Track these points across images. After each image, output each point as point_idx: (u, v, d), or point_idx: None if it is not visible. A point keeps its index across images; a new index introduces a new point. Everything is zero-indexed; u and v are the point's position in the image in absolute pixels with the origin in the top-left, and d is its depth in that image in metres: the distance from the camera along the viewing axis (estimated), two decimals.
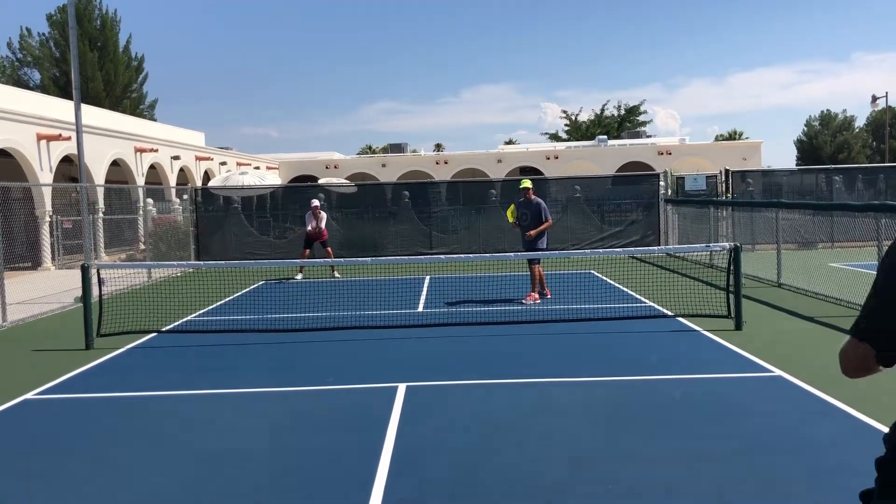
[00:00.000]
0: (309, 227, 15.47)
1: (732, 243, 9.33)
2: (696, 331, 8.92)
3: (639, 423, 5.58)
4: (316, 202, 15.72)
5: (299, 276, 15.36)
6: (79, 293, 9.73)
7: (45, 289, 14.23)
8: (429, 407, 6.12)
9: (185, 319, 10.58)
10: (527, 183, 11.50)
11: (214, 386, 6.88)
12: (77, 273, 10.04)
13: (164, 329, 9.82)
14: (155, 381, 7.22)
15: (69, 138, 20.49)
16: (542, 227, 11.14)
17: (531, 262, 11.18)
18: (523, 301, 11.09)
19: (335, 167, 42.25)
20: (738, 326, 8.89)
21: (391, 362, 7.80)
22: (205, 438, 5.53)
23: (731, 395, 6.25)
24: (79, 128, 13.53)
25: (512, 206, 11.64)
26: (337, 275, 15.57)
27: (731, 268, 9.21)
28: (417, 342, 8.79)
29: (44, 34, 44.32)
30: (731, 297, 9.19)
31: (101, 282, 9.44)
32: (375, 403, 6.23)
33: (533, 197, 11.37)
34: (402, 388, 6.65)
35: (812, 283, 11.97)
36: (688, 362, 7.43)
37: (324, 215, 15.71)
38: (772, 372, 6.93)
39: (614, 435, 5.34)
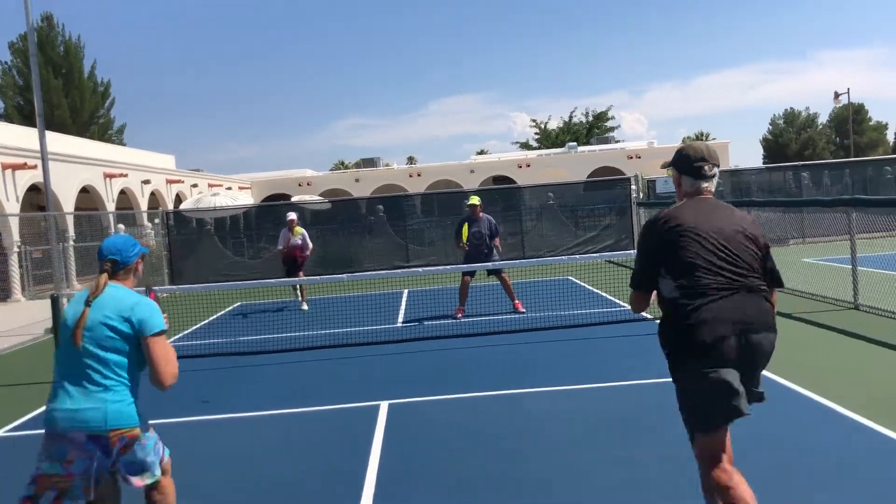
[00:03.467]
0: (280, 247, 13.17)
1: None
2: None
3: (625, 430, 5.54)
4: (293, 215, 13.33)
5: (305, 307, 13.09)
6: (50, 324, 9.52)
7: (16, 321, 13.95)
8: (412, 424, 6.04)
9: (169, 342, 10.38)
10: (475, 200, 11.20)
11: (188, 413, 6.70)
12: (48, 303, 9.82)
13: None
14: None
15: (35, 167, 20.16)
16: (498, 242, 11.15)
17: (500, 273, 11.06)
18: (519, 310, 11.02)
19: (308, 184, 42.09)
20: None
21: (372, 380, 7.70)
22: (177, 469, 5.40)
23: None
24: (44, 155, 13.32)
25: (465, 228, 11.10)
26: (304, 307, 13.10)
27: None
28: (398, 358, 8.70)
29: (6, 62, 43.79)
30: None
31: None
32: (358, 423, 6.14)
33: (482, 214, 11.13)
34: (384, 406, 6.56)
35: (787, 280, 12.02)
36: (663, 366, 7.39)
37: (304, 233, 13.26)
38: None
39: (601, 443, 5.30)
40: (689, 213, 3.37)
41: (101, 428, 3.23)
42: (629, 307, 3.58)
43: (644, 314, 10.01)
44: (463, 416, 6.11)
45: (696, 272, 3.23)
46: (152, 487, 3.46)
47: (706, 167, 3.48)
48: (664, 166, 3.78)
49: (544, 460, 5.03)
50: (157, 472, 3.44)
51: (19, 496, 3.27)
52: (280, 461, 5.37)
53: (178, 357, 3.55)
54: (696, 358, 3.23)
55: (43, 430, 3.35)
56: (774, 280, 3.50)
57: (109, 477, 3.33)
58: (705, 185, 3.49)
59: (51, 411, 3.29)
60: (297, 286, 13.05)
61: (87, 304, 3.36)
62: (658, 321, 3.47)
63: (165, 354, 3.40)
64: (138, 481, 3.36)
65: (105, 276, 3.44)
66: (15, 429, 6.78)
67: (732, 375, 3.24)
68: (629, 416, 5.85)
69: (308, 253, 13.20)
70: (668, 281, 3.30)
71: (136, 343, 3.37)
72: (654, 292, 3.45)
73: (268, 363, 8.76)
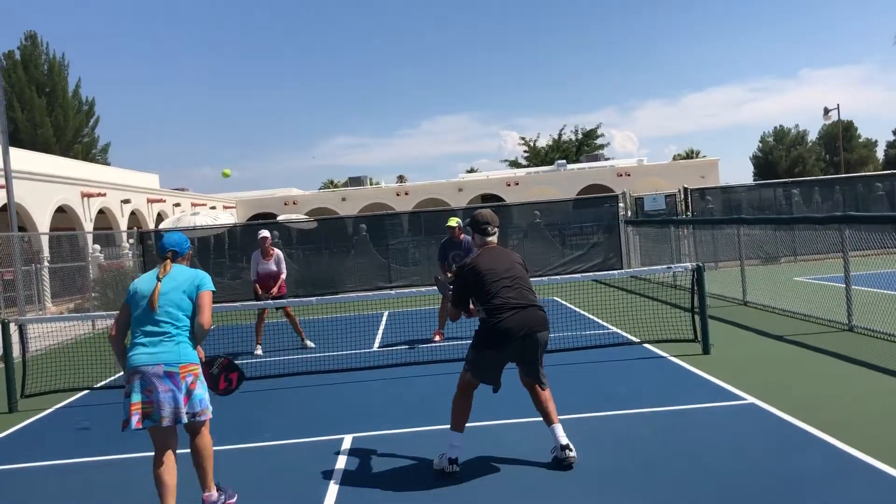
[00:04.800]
0: (253, 277, 10.74)
1: (695, 263, 8.93)
2: (662, 357, 8.47)
3: (608, 464, 5.07)
4: (265, 233, 10.77)
5: (309, 343, 10.98)
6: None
7: None
8: (375, 461, 5.54)
9: (121, 373, 9.86)
10: (453, 221, 10.50)
11: (139, 448, 6.12)
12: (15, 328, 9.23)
13: (96, 386, 9.12)
14: (77, 448, 6.53)
15: (3, 186, 19.63)
16: None
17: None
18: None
19: (294, 203, 41.61)
20: (706, 350, 8.46)
21: (338, 411, 7.20)
22: None
23: (704, 429, 5.78)
24: (7, 174, 12.83)
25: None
26: (309, 343, 10.96)
27: (695, 288, 8.81)
28: (369, 385, 8.21)
29: None
30: (697, 319, 8.79)
31: (23, 338, 8.73)
32: (316, 461, 5.64)
33: (463, 236, 10.42)
34: (347, 440, 6.08)
35: (778, 300, 11.64)
36: (656, 393, 6.94)
37: (279, 254, 10.84)
38: (744, 399, 6.48)
39: (582, 481, 4.82)
40: (483, 259, 5.18)
41: (175, 364, 4.45)
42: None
43: (631, 338, 9.65)
44: (431, 451, 5.61)
45: (494, 298, 5.01)
46: (199, 428, 4.59)
47: (489, 228, 5.31)
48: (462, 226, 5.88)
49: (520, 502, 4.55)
50: (210, 410, 4.60)
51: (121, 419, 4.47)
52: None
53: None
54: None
55: (128, 372, 4.48)
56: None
57: (174, 419, 4.40)
58: (490, 238, 5.31)
59: (134, 356, 4.48)
60: (291, 325, 10.95)
61: (159, 279, 4.64)
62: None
63: (209, 304, 4.67)
64: (207, 413, 4.56)
65: (169, 261, 4.76)
66: None
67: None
68: (616, 454, 5.36)
69: (282, 280, 10.77)
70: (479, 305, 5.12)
71: (193, 303, 4.63)
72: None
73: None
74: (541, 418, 5.27)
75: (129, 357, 4.52)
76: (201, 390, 4.54)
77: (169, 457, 4.47)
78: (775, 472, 4.76)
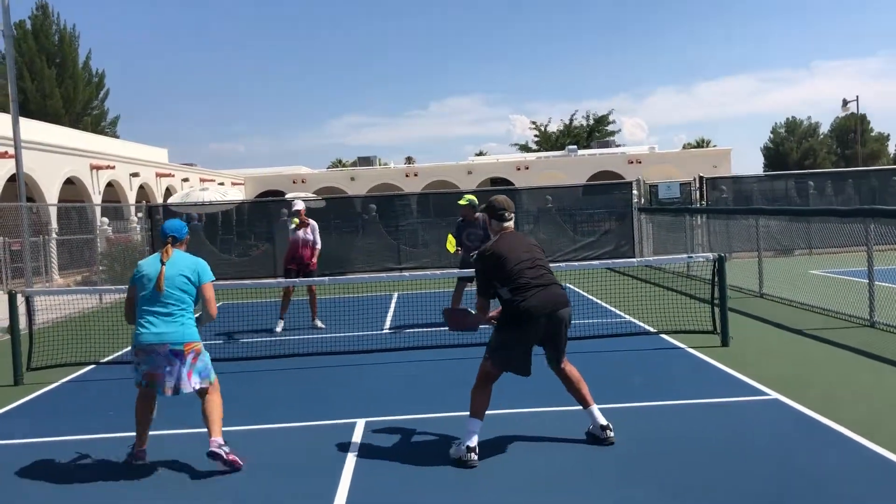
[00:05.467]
0: (296, 249, 10.58)
1: (716, 254, 8.73)
2: (680, 348, 8.30)
3: (626, 459, 4.91)
4: (301, 204, 10.83)
5: (320, 324, 10.81)
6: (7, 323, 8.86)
7: None
8: (389, 447, 5.40)
9: (129, 348, 9.72)
10: (464, 201, 10.14)
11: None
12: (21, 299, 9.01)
13: (103, 360, 9.00)
14: (84, 423, 6.40)
15: (13, 156, 19.48)
16: None
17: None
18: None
19: (302, 181, 41.43)
20: (725, 342, 8.29)
21: (350, 394, 7.06)
22: (125, 490, 4.76)
23: (728, 424, 5.61)
24: (17, 143, 12.68)
25: (451, 237, 10.38)
26: (319, 324, 10.85)
27: (716, 279, 8.61)
28: (381, 368, 8.06)
29: None
30: (717, 310, 8.60)
31: (30, 310, 8.59)
32: (329, 444, 5.50)
33: (478, 214, 9.92)
34: (360, 425, 5.93)
35: (795, 293, 11.44)
36: (676, 385, 6.78)
37: (314, 225, 10.76)
38: (767, 395, 6.31)
39: (598, 476, 4.67)
40: (502, 243, 5.23)
41: (179, 343, 4.98)
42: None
43: (647, 328, 9.47)
44: (444, 439, 5.46)
45: (518, 279, 5.07)
46: (205, 391, 5.13)
47: (506, 214, 5.37)
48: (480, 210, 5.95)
49: (534, 499, 4.39)
50: (213, 375, 5.19)
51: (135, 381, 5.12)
52: (232, 486, 4.73)
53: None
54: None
55: (135, 349, 5.03)
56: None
57: (175, 391, 5.00)
58: (506, 224, 5.37)
59: (140, 334, 4.98)
60: (310, 301, 10.82)
61: (162, 263, 5.07)
62: None
63: (213, 296, 5.25)
64: (203, 383, 5.08)
65: (170, 246, 5.19)
66: None
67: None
68: (636, 448, 5.21)
69: (318, 251, 10.76)
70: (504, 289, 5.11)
71: (196, 288, 5.15)
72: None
73: (236, 370, 8.07)
74: (561, 407, 5.15)
75: (136, 335, 5.00)
76: (201, 364, 5.11)
77: (149, 401, 5.22)
78: (806, 472, 4.60)
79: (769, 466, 4.70)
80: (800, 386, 6.51)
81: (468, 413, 5.08)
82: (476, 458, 4.91)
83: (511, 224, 5.40)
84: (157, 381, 4.98)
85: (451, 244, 10.38)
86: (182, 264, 5.15)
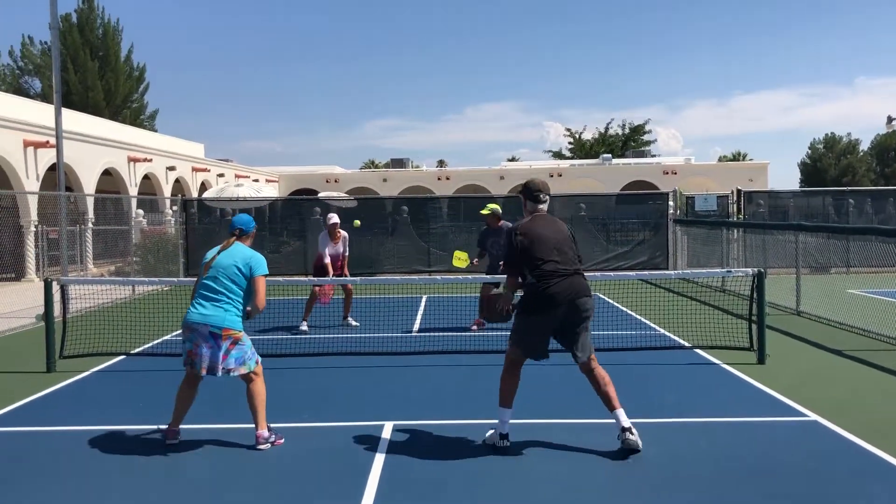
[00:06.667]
0: (326, 261, 10.45)
1: (756, 269, 8.54)
2: (715, 364, 8.12)
3: (658, 476, 4.78)
4: (336, 218, 10.68)
5: (304, 326, 10.61)
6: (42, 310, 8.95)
7: (23, 302, 13.44)
8: (417, 452, 5.32)
9: (159, 340, 9.80)
10: (488, 210, 10.14)
11: (164, 420, 5.95)
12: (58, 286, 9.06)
13: (133, 352, 9.04)
14: (114, 414, 6.41)
15: (54, 146, 19.79)
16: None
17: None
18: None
19: (335, 181, 41.60)
20: (762, 360, 8.10)
21: (378, 395, 7.00)
22: (148, 485, 4.74)
23: (766, 444, 5.44)
24: (58, 133, 12.83)
25: (457, 253, 10.43)
26: (353, 322, 10.96)
27: (754, 295, 8.42)
28: (409, 371, 8.00)
29: (45, 43, 43.78)
30: (754, 327, 8.41)
31: (64, 298, 8.67)
32: (356, 446, 5.45)
33: (501, 223, 10.04)
34: (388, 427, 5.87)
35: (834, 312, 11.17)
36: (711, 402, 6.63)
37: (345, 237, 10.83)
38: (806, 416, 6.13)
39: (628, 492, 4.55)
40: (534, 224, 5.33)
41: (219, 327, 5.27)
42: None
43: (682, 342, 9.29)
44: (475, 445, 5.38)
45: (545, 265, 5.17)
46: (248, 378, 5.40)
47: (542, 195, 5.46)
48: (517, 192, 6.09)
49: None
50: (252, 365, 5.42)
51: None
52: (259, 485, 4.69)
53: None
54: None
55: (183, 326, 5.40)
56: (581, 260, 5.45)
57: (211, 370, 5.28)
58: (541, 206, 5.46)
59: (190, 313, 5.36)
60: (345, 299, 10.95)
61: (219, 252, 5.46)
62: None
63: (263, 289, 5.45)
64: (241, 369, 5.35)
65: (234, 238, 5.57)
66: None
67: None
68: (670, 467, 5.07)
69: (346, 259, 10.88)
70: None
71: (248, 281, 5.40)
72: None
73: (265, 367, 8.04)
74: (594, 420, 5.03)
75: (186, 314, 5.39)
76: (238, 352, 5.33)
77: (191, 387, 5.53)
78: (849, 498, 4.44)
79: (807, 490, 4.55)
80: (841, 408, 6.31)
81: (498, 402, 5.34)
82: (508, 443, 5.25)
83: (545, 207, 5.49)
84: (196, 360, 5.29)
85: (459, 261, 10.33)
86: (238, 256, 5.43)
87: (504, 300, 5.44)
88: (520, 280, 5.34)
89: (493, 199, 22.40)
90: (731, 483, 4.68)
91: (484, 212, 10.20)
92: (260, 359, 5.54)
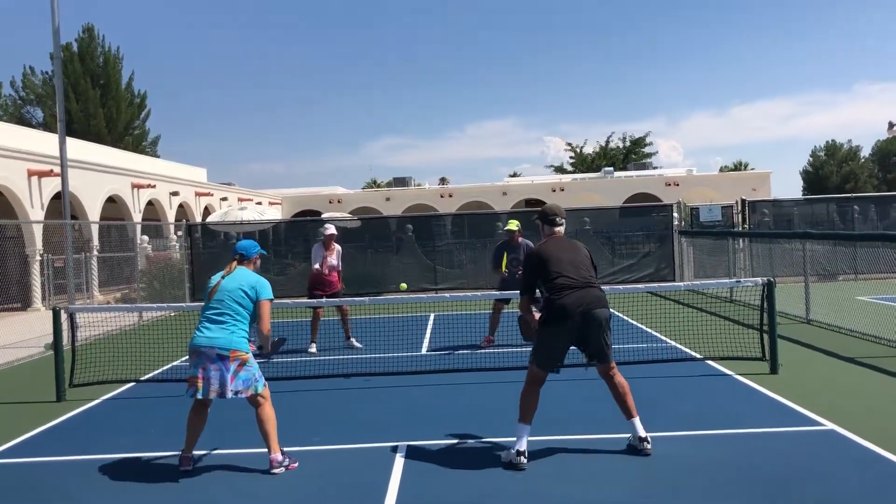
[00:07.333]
0: (316, 266, 10.58)
1: (766, 278, 8.51)
2: (728, 375, 8.07)
3: (674, 488, 4.73)
4: (332, 228, 10.94)
5: (313, 349, 10.66)
6: (51, 339, 8.93)
7: (30, 332, 13.42)
8: (432, 473, 5.28)
9: (168, 366, 9.77)
10: (513, 225, 10.41)
11: (176, 446, 5.89)
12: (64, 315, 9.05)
13: (142, 378, 9.02)
14: (126, 443, 6.38)
15: (59, 175, 19.86)
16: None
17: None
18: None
19: (338, 202, 41.69)
20: (774, 370, 8.04)
21: (390, 417, 6.96)
22: None
23: (783, 455, 5.38)
24: (63, 161, 12.89)
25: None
26: (356, 343, 10.87)
27: (765, 305, 8.38)
28: (420, 391, 7.95)
29: (47, 72, 44.14)
30: (765, 336, 8.36)
31: (73, 326, 8.66)
32: (369, 469, 5.40)
33: (521, 239, 10.38)
34: (402, 448, 5.82)
35: (844, 319, 11.12)
36: (726, 413, 6.57)
37: (339, 249, 10.95)
38: (822, 425, 6.08)
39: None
40: (548, 245, 5.66)
41: (226, 349, 5.30)
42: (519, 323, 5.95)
43: (693, 353, 9.24)
44: (490, 465, 5.33)
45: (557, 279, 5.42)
46: (256, 403, 5.43)
47: (557, 219, 5.81)
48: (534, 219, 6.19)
49: None
50: (259, 388, 5.44)
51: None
52: None
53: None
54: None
55: (189, 350, 5.43)
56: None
57: (220, 393, 5.29)
58: (557, 229, 5.79)
59: (196, 337, 5.39)
60: (341, 321, 10.88)
61: (223, 277, 5.55)
62: None
63: (268, 313, 5.53)
64: (249, 391, 5.37)
65: (236, 262, 5.67)
66: (2, 454, 6.16)
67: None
68: (687, 479, 5.02)
69: (339, 272, 10.94)
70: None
71: (253, 305, 5.48)
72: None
73: (273, 391, 8.01)
74: (614, 434, 4.99)
75: (192, 338, 5.42)
76: (246, 373, 5.36)
77: (199, 414, 5.53)
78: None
79: (829, 499, 4.49)
80: (857, 416, 6.26)
81: (517, 418, 5.35)
82: (525, 461, 5.22)
83: (561, 229, 5.82)
84: (203, 385, 5.30)
85: (503, 263, 10.38)
86: (243, 280, 5.53)
87: (534, 319, 5.66)
88: (538, 295, 5.61)
89: (497, 216, 22.45)
90: (756, 495, 4.62)
91: (511, 227, 10.45)
92: (266, 383, 5.55)
